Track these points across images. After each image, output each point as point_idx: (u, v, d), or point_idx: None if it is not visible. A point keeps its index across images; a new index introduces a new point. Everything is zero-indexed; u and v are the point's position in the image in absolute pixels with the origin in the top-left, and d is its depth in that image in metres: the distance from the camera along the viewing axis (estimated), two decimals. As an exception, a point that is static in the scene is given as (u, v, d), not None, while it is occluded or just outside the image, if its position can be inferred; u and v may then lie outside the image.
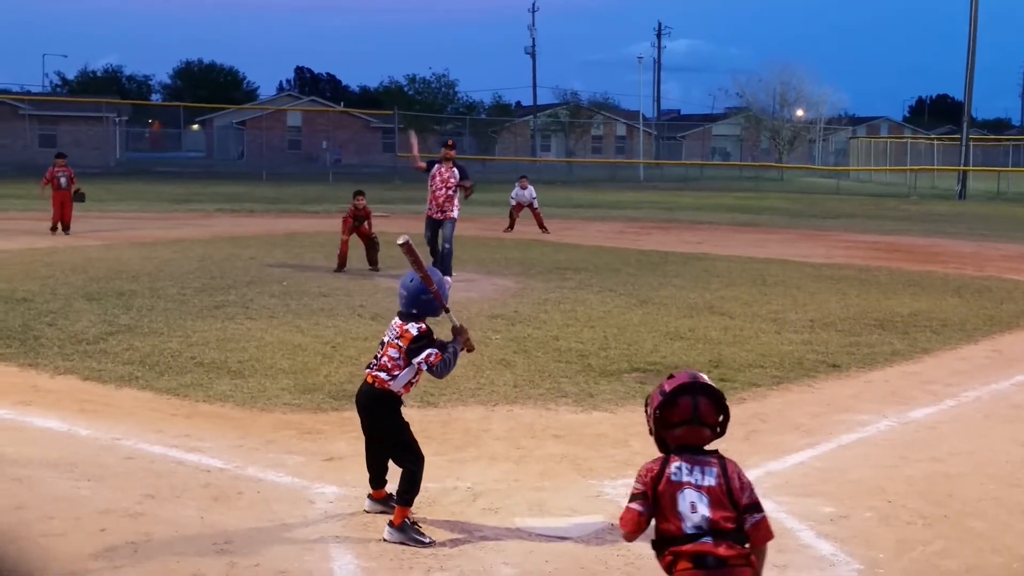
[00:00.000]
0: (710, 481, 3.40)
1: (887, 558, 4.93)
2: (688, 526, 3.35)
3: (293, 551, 4.90)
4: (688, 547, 3.31)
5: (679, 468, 3.43)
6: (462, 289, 12.76)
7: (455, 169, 14.77)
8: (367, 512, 5.33)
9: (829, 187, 50.66)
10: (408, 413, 5.38)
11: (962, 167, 45.96)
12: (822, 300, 12.82)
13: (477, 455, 6.37)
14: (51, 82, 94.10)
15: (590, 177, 58.48)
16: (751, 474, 6.07)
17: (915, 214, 32.42)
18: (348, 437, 6.71)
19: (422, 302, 5.15)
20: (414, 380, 5.21)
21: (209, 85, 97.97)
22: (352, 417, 7.19)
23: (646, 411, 3.60)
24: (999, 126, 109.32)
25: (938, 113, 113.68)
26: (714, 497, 3.38)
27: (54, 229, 19.71)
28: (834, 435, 7.01)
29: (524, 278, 14.35)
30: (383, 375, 5.12)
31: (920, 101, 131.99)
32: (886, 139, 72.88)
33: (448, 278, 14.03)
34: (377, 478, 5.36)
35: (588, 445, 6.66)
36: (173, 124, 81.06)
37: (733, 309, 11.98)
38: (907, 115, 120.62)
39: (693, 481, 3.40)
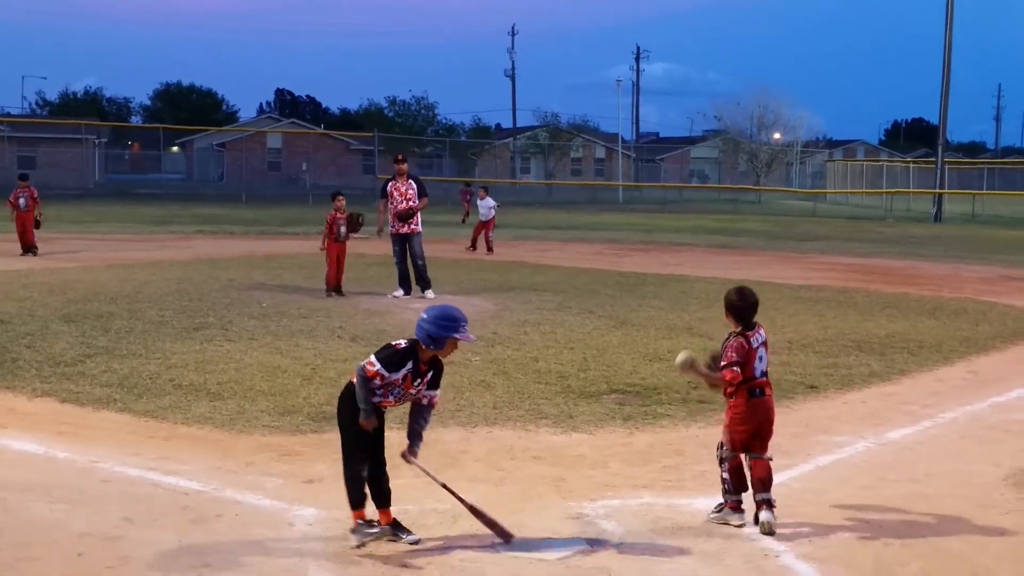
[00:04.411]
0: None
1: (865, 578, 4.96)
2: None
3: (272, 574, 4.89)
4: None
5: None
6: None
7: (411, 182, 14.85)
8: (368, 539, 5.18)
9: (806, 210, 50.96)
10: (389, 436, 5.41)
11: (937, 190, 46.41)
12: (800, 322, 12.90)
13: (456, 477, 6.34)
14: (30, 104, 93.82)
15: (569, 199, 58.69)
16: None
17: (891, 236, 32.66)
18: (328, 459, 6.69)
19: (423, 331, 5.35)
20: (384, 392, 5.19)
21: (189, 107, 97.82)
22: (331, 439, 7.22)
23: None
24: (974, 149, 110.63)
25: (914, 136, 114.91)
26: None
27: (24, 250, 19.76)
28: (812, 456, 7.05)
29: (503, 300, 14.36)
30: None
31: (896, 124, 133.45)
32: (862, 162, 73.50)
33: (430, 292, 14.16)
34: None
35: (567, 466, 6.68)
36: (153, 146, 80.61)
37: (712, 330, 12.01)
38: (883, 138, 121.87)
39: None
